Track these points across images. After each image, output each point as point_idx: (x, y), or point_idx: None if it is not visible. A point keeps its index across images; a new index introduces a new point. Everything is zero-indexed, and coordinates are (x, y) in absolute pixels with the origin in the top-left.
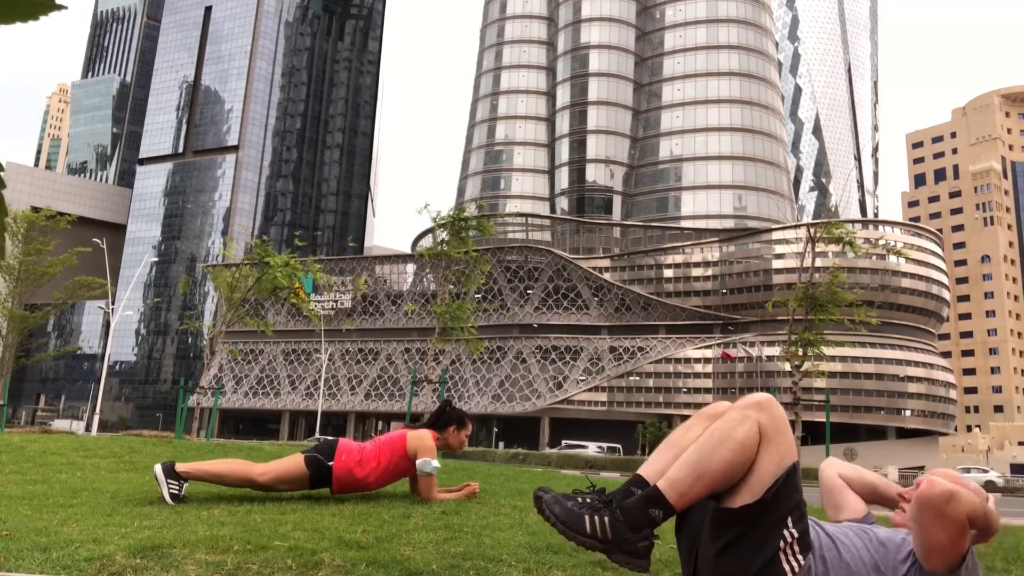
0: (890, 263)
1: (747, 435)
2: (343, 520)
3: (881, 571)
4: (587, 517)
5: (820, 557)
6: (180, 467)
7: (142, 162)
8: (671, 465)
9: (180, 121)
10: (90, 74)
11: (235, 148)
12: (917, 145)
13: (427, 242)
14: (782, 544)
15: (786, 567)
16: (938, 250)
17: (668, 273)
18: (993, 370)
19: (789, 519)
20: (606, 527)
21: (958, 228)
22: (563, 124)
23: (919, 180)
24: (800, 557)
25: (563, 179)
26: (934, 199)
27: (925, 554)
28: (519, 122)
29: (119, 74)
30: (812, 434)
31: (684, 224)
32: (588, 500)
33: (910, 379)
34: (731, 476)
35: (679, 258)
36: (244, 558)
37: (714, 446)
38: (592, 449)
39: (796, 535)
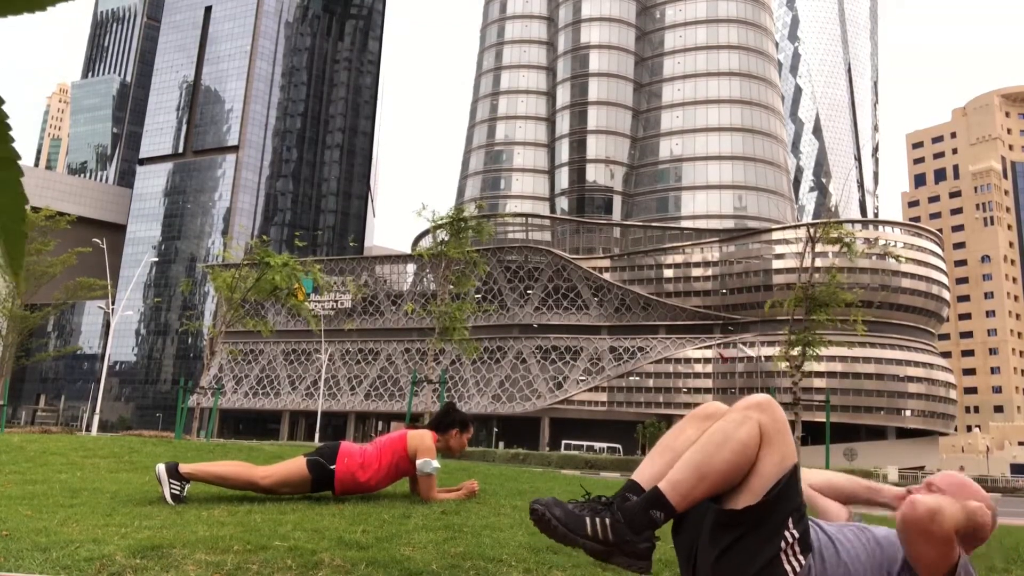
0: (890, 263)
1: (749, 436)
2: (343, 520)
3: (877, 571)
4: (588, 519)
5: (819, 556)
6: (184, 468)
7: (142, 162)
8: (666, 469)
9: (180, 121)
10: (90, 74)
11: (235, 148)
12: (917, 145)
13: (427, 242)
14: (783, 545)
15: (787, 568)
16: (938, 250)
17: (668, 273)
18: (993, 370)
19: (790, 520)
20: (607, 528)
21: (958, 228)
22: (563, 124)
23: (919, 180)
24: (801, 558)
25: (563, 179)
26: (934, 199)
27: (915, 568)
28: (519, 122)
29: (119, 74)
30: (812, 434)
31: (684, 224)
32: (588, 504)
33: (910, 379)
34: (733, 477)
35: (679, 258)
36: (244, 558)
37: (716, 447)
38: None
39: (797, 536)
